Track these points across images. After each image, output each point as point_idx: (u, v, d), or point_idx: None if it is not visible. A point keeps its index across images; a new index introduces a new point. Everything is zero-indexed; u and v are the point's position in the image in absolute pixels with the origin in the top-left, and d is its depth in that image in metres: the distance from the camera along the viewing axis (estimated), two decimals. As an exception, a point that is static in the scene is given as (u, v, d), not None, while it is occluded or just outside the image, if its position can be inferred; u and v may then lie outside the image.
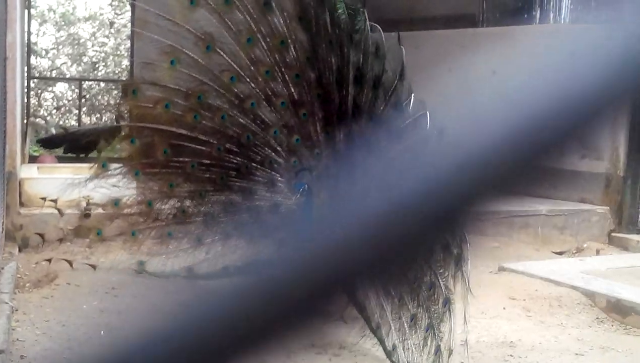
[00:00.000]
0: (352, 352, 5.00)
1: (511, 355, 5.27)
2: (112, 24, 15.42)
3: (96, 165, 6.57)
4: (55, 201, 7.18)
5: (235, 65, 6.15)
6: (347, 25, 5.74)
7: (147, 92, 6.45)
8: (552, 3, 10.42)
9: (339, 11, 5.72)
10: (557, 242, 9.48)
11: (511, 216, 9.58)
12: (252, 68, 6.13)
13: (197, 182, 6.38)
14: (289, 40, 6.07)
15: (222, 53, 6.16)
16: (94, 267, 6.84)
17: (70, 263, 6.86)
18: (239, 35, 6.13)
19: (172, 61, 6.21)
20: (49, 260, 6.86)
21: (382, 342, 4.86)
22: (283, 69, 6.07)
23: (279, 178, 6.17)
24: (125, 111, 6.98)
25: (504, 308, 6.34)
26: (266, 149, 6.18)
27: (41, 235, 7.18)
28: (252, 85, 6.14)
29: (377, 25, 5.84)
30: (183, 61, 6.20)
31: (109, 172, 6.49)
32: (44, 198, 7.18)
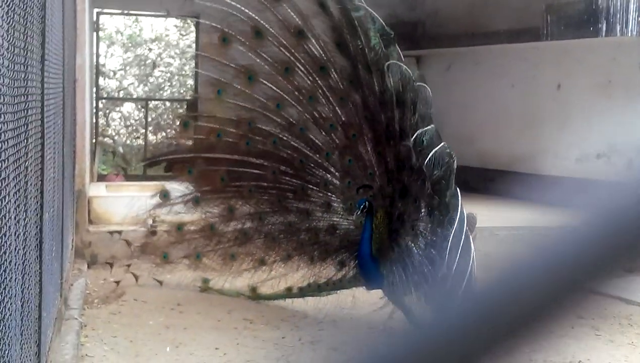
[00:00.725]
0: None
1: (580, 375, 5.15)
2: (154, 65, 15.80)
3: (158, 196, 6.77)
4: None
5: (279, 92, 6.28)
6: (382, 52, 5.77)
7: (199, 123, 6.68)
8: (618, 15, 10.21)
9: (373, 41, 5.77)
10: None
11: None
12: (296, 94, 6.23)
13: (256, 204, 6.51)
14: (329, 65, 6.13)
15: (264, 82, 6.30)
16: (160, 282, 6.96)
17: (136, 277, 7.00)
18: (276, 65, 6.26)
19: (218, 91, 6.40)
20: (111, 265, 7.03)
21: None
22: (327, 93, 6.15)
23: (334, 199, 6.24)
24: (182, 142, 7.20)
25: (572, 327, 6.17)
26: (320, 170, 6.26)
27: (110, 264, 7.35)
28: (299, 108, 6.25)
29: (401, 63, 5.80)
30: (229, 92, 6.38)
31: (171, 201, 6.70)
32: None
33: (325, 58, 6.14)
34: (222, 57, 6.47)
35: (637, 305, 6.79)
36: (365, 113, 5.97)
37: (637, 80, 10.40)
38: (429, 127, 5.53)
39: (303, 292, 6.43)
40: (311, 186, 6.31)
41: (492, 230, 8.70)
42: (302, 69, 6.20)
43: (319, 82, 6.18)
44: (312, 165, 6.29)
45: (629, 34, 10.27)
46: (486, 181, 12.58)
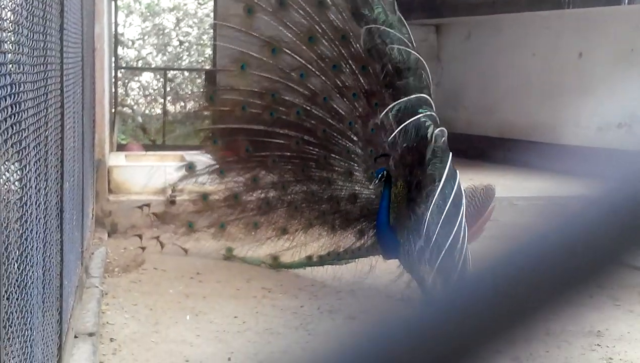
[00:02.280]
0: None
1: (598, 345, 5.15)
2: (181, 42, 15.79)
3: (184, 168, 6.87)
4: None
5: (303, 62, 6.31)
6: (392, 20, 5.81)
7: (223, 96, 6.73)
8: (642, -18, 10.05)
9: (377, 10, 5.81)
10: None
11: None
12: (320, 63, 6.28)
13: (279, 174, 6.60)
14: (350, 34, 6.15)
15: (288, 52, 6.33)
16: (185, 250, 7.05)
17: (162, 244, 7.09)
18: (300, 35, 6.29)
19: (242, 66, 6.44)
20: (140, 236, 7.11)
21: None
22: (350, 62, 6.19)
23: (357, 167, 6.29)
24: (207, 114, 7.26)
25: (591, 297, 6.17)
26: (343, 139, 6.31)
27: (140, 236, 7.39)
28: (323, 78, 6.30)
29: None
30: (253, 64, 6.41)
31: (197, 172, 6.80)
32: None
33: (346, 27, 6.18)
34: (247, 28, 6.49)
35: (656, 275, 6.77)
36: (385, 81, 5.97)
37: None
38: (403, 99, 5.55)
39: (323, 261, 6.49)
40: (334, 155, 6.38)
41: (511, 200, 8.67)
42: (325, 37, 6.24)
43: (342, 50, 6.21)
44: (335, 134, 6.35)
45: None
46: (505, 151, 12.51)
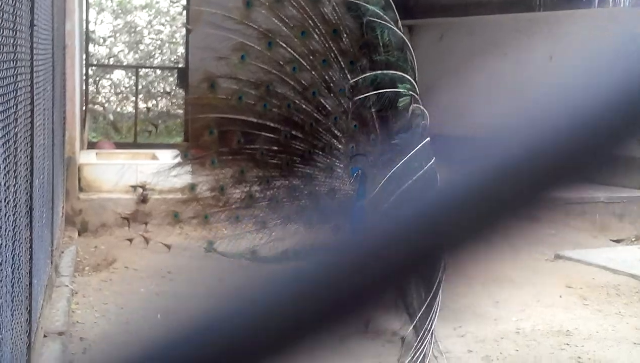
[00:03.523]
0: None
1: (567, 344, 5.20)
2: (187, 27, 15.76)
3: (179, 155, 6.90)
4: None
5: (295, 56, 6.39)
6: (369, 12, 5.90)
7: (223, 85, 6.77)
8: (611, -14, 10.18)
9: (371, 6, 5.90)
10: (615, 230, 9.29)
11: (568, 203, 9.42)
12: (311, 58, 6.37)
13: (266, 168, 6.67)
14: (341, 28, 6.23)
15: (283, 45, 6.42)
16: (168, 246, 7.05)
17: (146, 240, 7.11)
18: (294, 29, 6.37)
19: (242, 56, 6.49)
20: (130, 240, 7.14)
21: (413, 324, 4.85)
22: (339, 57, 6.27)
23: (338, 163, 6.35)
24: (201, 103, 7.28)
25: (560, 297, 6.26)
26: (327, 135, 6.39)
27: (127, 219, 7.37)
28: (313, 73, 6.38)
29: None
30: (251, 55, 6.47)
31: (189, 161, 6.83)
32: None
33: (337, 21, 6.26)
34: (246, 20, 6.55)
35: (624, 275, 6.85)
36: (371, 76, 6.03)
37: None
38: (383, 71, 5.68)
39: (297, 255, 6.50)
40: (317, 150, 6.45)
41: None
42: (317, 32, 6.31)
43: (332, 45, 6.31)
44: (321, 129, 6.43)
45: (621, 4, 10.24)
46: (477, 150, 12.59)
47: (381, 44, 5.85)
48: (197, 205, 6.80)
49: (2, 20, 2.97)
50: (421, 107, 5.52)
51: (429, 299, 4.68)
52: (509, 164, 0.65)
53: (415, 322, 4.67)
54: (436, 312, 4.69)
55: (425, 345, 4.55)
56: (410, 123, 5.49)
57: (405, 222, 0.64)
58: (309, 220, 6.51)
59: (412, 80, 5.68)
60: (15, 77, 3.40)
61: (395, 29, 5.85)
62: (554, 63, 11.66)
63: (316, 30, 6.34)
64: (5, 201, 3.01)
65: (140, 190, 7.22)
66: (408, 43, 5.87)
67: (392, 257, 0.63)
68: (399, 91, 5.57)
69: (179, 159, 6.95)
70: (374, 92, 5.60)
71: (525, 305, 5.97)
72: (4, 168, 3.02)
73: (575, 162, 0.64)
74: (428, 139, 5.48)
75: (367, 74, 5.68)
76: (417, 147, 5.38)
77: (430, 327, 4.63)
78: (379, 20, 5.84)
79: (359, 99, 5.76)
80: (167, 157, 7.78)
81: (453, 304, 4.67)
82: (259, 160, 6.68)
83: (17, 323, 3.38)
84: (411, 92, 5.59)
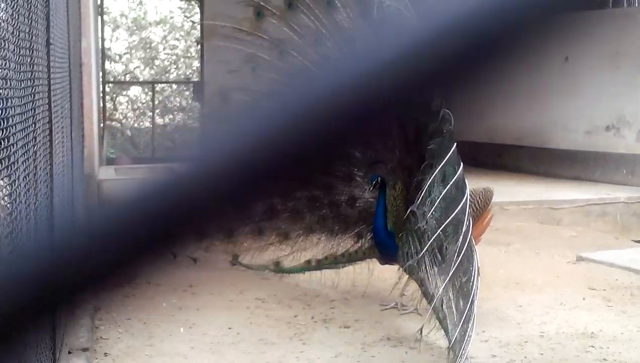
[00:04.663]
0: (428, 344, 4.98)
1: (592, 346, 5.15)
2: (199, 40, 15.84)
3: None
4: None
5: (308, 65, 6.38)
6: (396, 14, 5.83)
7: (235, 97, 6.79)
8: (625, -15, 10.13)
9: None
10: (637, 230, 9.22)
11: (588, 204, 9.36)
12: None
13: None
14: (355, 35, 6.20)
15: (295, 55, 6.41)
16: (195, 260, 7.10)
17: (174, 255, 7.13)
18: (306, 37, 6.35)
19: (253, 67, 6.53)
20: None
21: (445, 329, 4.81)
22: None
23: (356, 171, 6.34)
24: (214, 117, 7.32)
25: (584, 299, 6.21)
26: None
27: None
28: None
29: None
30: (263, 66, 6.50)
31: None
32: None
33: (352, 27, 6.21)
34: (256, 31, 6.54)
35: (648, 276, 6.79)
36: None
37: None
38: None
39: (321, 265, 6.51)
40: (335, 159, 6.43)
41: (502, 204, 8.70)
42: (331, 39, 6.28)
43: (346, 52, 6.26)
44: None
45: (637, 4, 10.17)
46: (495, 156, 12.56)
47: None
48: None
49: (18, 40, 3.01)
50: (449, 111, 5.50)
51: (467, 309, 4.64)
52: None
53: (455, 335, 4.62)
54: (474, 321, 4.64)
55: (466, 355, 4.51)
56: (441, 128, 5.47)
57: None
58: (331, 230, 6.52)
59: None
60: (33, 95, 3.43)
61: None
62: (570, 64, 11.60)
63: (330, 37, 6.32)
64: (26, 218, 3.03)
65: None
66: None
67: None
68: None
69: None
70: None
71: (549, 308, 5.93)
72: (25, 186, 3.05)
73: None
74: (456, 143, 5.47)
75: None
76: (451, 151, 5.37)
77: (470, 337, 4.58)
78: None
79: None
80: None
81: (475, 309, 4.64)
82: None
83: (42, 340, 3.40)
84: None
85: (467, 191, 5.32)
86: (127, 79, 16.05)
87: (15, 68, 2.89)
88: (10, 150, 2.66)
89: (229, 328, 5.43)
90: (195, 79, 14.47)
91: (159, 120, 15.17)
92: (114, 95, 15.45)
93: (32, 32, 3.45)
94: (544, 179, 11.30)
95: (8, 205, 2.65)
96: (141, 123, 15.62)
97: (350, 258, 6.39)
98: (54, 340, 3.85)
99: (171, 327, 5.44)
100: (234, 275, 6.79)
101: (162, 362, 4.81)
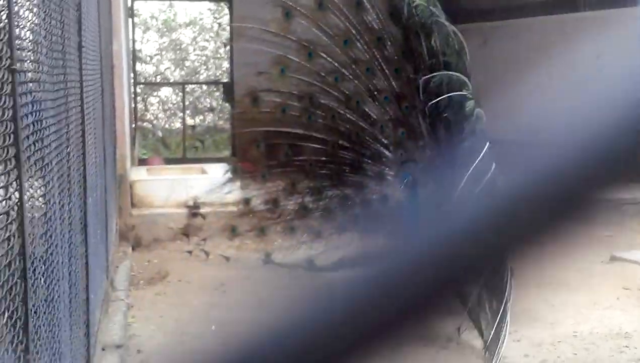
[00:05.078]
0: (460, 344, 4.95)
1: (627, 347, 5.09)
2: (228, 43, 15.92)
3: (230, 171, 7.00)
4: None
5: (337, 66, 6.39)
6: (427, 14, 5.80)
7: (265, 98, 6.82)
8: (658, -20, 9.99)
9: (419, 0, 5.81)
10: (672, 229, 9.07)
11: (623, 203, 9.25)
12: (354, 67, 6.35)
13: (316, 178, 6.70)
14: (385, 36, 6.20)
15: (323, 56, 6.42)
16: (227, 258, 7.15)
17: (206, 253, 7.22)
18: (336, 38, 6.37)
19: (281, 69, 6.52)
20: (190, 252, 7.26)
21: (479, 329, 4.81)
22: (383, 65, 6.24)
23: (388, 171, 6.34)
24: (246, 118, 7.35)
25: (618, 299, 6.13)
26: (375, 143, 6.39)
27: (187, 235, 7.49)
28: (356, 82, 6.37)
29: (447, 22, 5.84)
30: (291, 68, 6.49)
31: (239, 176, 6.94)
32: None
33: (381, 28, 6.22)
34: (285, 32, 6.57)
35: (683, 275, 6.69)
36: (416, 83, 5.99)
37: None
38: (448, 72, 5.58)
39: (354, 263, 6.51)
40: (366, 159, 6.45)
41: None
42: (361, 40, 6.29)
43: (376, 53, 6.27)
44: (368, 138, 6.42)
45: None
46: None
47: (438, 48, 5.77)
48: (252, 218, 6.88)
49: (51, 43, 3.05)
50: (482, 110, 5.48)
51: (501, 309, 4.62)
52: (562, 166, 0.64)
53: (490, 335, 4.60)
54: (508, 321, 4.62)
55: (500, 355, 4.49)
56: (474, 127, 5.45)
57: (463, 225, 0.64)
58: (363, 228, 6.52)
59: (470, 85, 5.63)
60: (66, 97, 3.48)
61: (457, 32, 5.78)
62: (601, 62, 11.47)
63: (359, 38, 6.32)
64: (60, 219, 3.08)
65: (194, 206, 7.34)
66: (465, 47, 5.80)
67: (449, 261, 0.63)
68: (464, 94, 5.51)
69: (229, 175, 7.02)
70: (447, 95, 5.51)
71: (582, 308, 5.87)
72: (59, 186, 3.09)
73: (624, 162, 0.63)
74: (489, 143, 5.44)
75: (438, 74, 5.58)
76: (484, 151, 5.35)
77: (505, 337, 4.56)
78: (443, 22, 5.78)
79: (433, 103, 5.64)
80: (216, 171, 7.87)
81: (510, 309, 4.61)
82: (308, 171, 6.71)
83: (76, 337, 3.44)
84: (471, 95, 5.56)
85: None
86: (158, 80, 16.17)
87: (48, 71, 2.93)
88: (45, 152, 2.70)
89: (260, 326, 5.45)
90: (225, 80, 14.54)
91: (189, 121, 15.26)
92: (145, 96, 15.58)
93: (65, 35, 3.50)
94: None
95: (42, 205, 2.69)
96: (172, 124, 15.73)
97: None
98: (88, 337, 3.90)
99: (203, 325, 5.47)
100: (265, 274, 6.81)
101: (194, 360, 4.84)
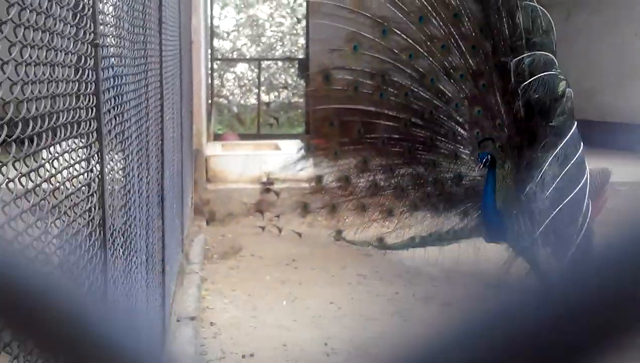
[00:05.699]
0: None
1: None
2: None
3: (303, 148, 7.05)
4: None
5: (411, 43, 6.33)
6: None
7: (337, 76, 6.81)
8: None
9: None
10: None
11: None
12: (428, 44, 6.27)
13: (388, 156, 6.67)
14: (462, 12, 6.09)
15: (398, 32, 6.36)
16: (299, 234, 7.23)
17: (279, 229, 7.33)
18: (411, 15, 6.30)
19: (354, 46, 6.50)
20: (263, 228, 7.38)
21: None
22: (459, 41, 6.14)
23: (462, 149, 6.26)
24: (319, 96, 7.34)
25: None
26: (449, 121, 6.31)
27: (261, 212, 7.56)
28: (431, 59, 6.28)
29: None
30: (364, 45, 6.46)
31: (312, 153, 6.98)
32: None
33: (458, 4, 6.13)
34: (359, 8, 6.55)
35: None
36: (495, 61, 5.89)
37: None
38: (538, 52, 5.47)
39: (424, 242, 6.48)
40: (440, 137, 6.39)
41: (614, 184, 8.38)
42: (437, 17, 6.21)
43: (452, 30, 6.18)
44: (442, 116, 6.35)
45: None
46: (607, 134, 12.10)
47: (522, 27, 5.65)
48: (324, 195, 6.91)
49: (133, 19, 3.11)
50: (571, 90, 5.37)
51: None
52: None
53: None
54: None
55: None
56: (565, 107, 5.35)
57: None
58: (436, 207, 6.47)
59: (557, 63, 5.52)
60: (145, 72, 3.55)
61: (545, 11, 5.65)
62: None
63: (435, 15, 6.23)
64: (139, 192, 3.15)
65: (267, 182, 7.42)
66: (553, 26, 5.67)
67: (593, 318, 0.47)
68: (555, 74, 5.41)
69: (302, 152, 7.05)
70: (540, 75, 5.41)
71: None
72: (137, 160, 3.16)
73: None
74: (576, 123, 5.34)
75: (527, 54, 5.49)
76: (572, 131, 5.25)
77: None
78: (528, 1, 5.65)
79: (526, 84, 5.53)
80: (289, 147, 7.92)
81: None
82: (380, 149, 6.68)
83: (152, 308, 3.53)
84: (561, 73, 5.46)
85: (587, 172, 5.18)
86: (234, 56, 16.32)
87: (129, 46, 2.99)
88: (125, 126, 2.77)
89: (331, 302, 5.49)
90: (301, 57, 14.57)
91: (264, 97, 15.38)
92: (222, 72, 15.75)
93: (145, 10, 3.56)
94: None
95: (122, 179, 2.76)
96: (247, 100, 15.88)
97: (455, 236, 6.33)
98: (164, 308, 4.00)
99: (274, 300, 5.55)
100: (336, 251, 6.85)
101: (265, 333, 4.92)
